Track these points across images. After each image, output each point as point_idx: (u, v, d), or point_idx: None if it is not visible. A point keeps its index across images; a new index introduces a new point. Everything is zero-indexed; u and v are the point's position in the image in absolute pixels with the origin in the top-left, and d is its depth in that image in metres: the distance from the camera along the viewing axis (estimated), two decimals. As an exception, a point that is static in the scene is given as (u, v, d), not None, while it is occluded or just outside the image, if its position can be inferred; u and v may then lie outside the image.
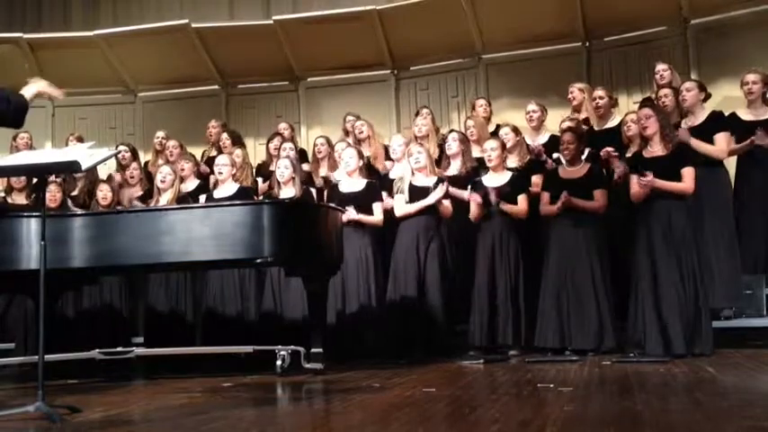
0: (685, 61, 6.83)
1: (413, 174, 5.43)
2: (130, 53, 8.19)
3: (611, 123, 5.86)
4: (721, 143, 5.22)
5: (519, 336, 5.12)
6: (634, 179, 4.83)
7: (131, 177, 6.47)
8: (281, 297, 5.55)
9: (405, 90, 8.11)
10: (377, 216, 5.43)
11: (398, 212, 5.40)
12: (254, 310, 5.64)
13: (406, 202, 5.36)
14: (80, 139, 6.86)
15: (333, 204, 5.06)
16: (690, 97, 5.34)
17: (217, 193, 5.68)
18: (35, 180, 6.13)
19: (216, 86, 8.56)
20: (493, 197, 5.20)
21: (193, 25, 8.01)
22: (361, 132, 6.39)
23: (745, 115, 5.39)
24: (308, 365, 4.47)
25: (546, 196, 5.25)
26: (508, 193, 5.26)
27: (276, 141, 6.71)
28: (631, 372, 3.98)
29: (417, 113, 6.66)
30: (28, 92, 3.29)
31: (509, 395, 3.34)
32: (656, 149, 4.83)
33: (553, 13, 7.27)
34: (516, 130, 5.85)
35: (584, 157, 5.39)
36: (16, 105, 3.20)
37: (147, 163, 7.20)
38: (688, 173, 4.73)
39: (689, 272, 4.65)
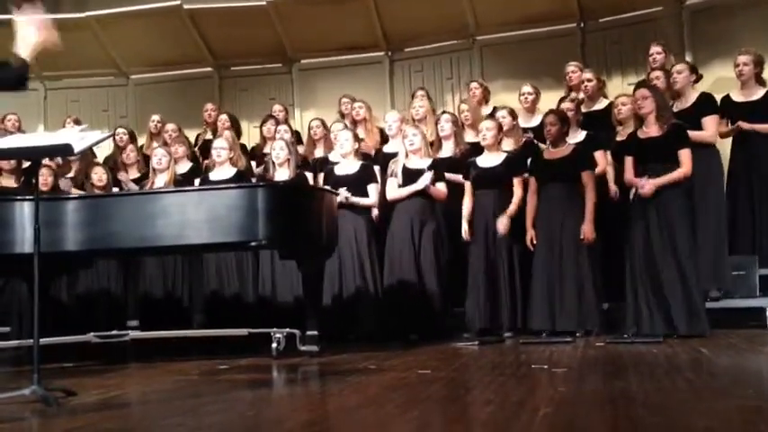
0: (680, 42, 6.81)
1: (407, 156, 5.41)
2: (122, 35, 8.13)
3: (599, 106, 5.85)
4: (710, 127, 5.22)
5: (515, 317, 5.13)
6: (628, 161, 4.83)
7: (128, 158, 6.45)
8: (277, 280, 5.55)
9: (399, 72, 8.08)
10: (372, 198, 5.42)
11: (389, 196, 5.40)
12: (250, 292, 5.65)
13: (399, 186, 5.35)
14: (77, 122, 6.83)
15: (327, 187, 5.06)
16: (681, 79, 5.33)
17: (213, 176, 5.67)
18: (26, 163, 6.10)
19: (209, 69, 8.51)
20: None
21: (185, 7, 7.95)
22: (358, 114, 6.37)
23: (738, 96, 5.39)
24: (303, 348, 4.48)
25: (533, 181, 5.23)
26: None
27: (270, 124, 6.69)
28: (625, 352, 4.01)
29: (413, 96, 6.63)
30: (25, 50, 3.11)
31: (504, 376, 3.35)
32: (652, 130, 4.82)
33: (548, -6, 7.24)
34: (513, 114, 5.84)
35: (577, 139, 5.38)
36: (18, 68, 3.08)
37: (141, 146, 7.17)
38: (685, 154, 4.71)
39: (683, 253, 4.65)
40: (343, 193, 5.23)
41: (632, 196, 4.87)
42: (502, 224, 5.14)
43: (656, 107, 4.78)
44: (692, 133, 5.12)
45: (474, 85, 6.61)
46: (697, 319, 4.58)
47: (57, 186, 6.10)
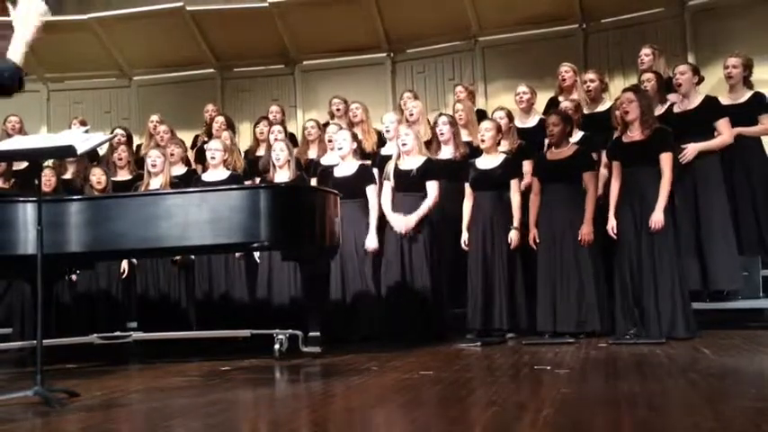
0: (682, 43, 6.82)
1: (399, 156, 5.41)
2: (125, 37, 8.15)
3: (602, 107, 5.83)
4: (725, 130, 5.17)
5: (514, 319, 5.12)
6: (615, 166, 4.84)
7: (119, 160, 6.36)
8: (275, 281, 5.54)
9: (401, 73, 8.08)
10: (371, 203, 5.40)
11: (381, 201, 5.42)
12: (247, 294, 5.64)
13: (392, 188, 5.35)
14: (83, 123, 6.83)
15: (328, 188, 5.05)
16: (684, 81, 5.31)
17: (206, 177, 5.66)
18: (18, 165, 6.11)
19: (211, 70, 8.53)
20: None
21: (188, 8, 7.96)
22: (356, 115, 6.35)
23: (725, 99, 5.38)
24: (305, 349, 4.48)
25: (536, 182, 5.22)
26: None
27: (262, 126, 6.66)
28: (627, 353, 4.00)
29: (402, 99, 6.60)
30: (16, 53, 3.04)
31: (506, 377, 3.35)
32: (635, 134, 4.81)
33: (549, -5, 7.24)
34: (510, 115, 5.83)
35: (575, 139, 5.37)
36: (7, 71, 2.99)
37: (138, 146, 7.15)
38: (666, 159, 4.70)
39: (669, 255, 4.63)
40: (369, 244, 5.25)
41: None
42: (513, 239, 5.14)
43: (641, 112, 4.77)
44: (708, 144, 5.11)
45: (459, 88, 6.59)
46: (686, 322, 4.55)
47: (59, 188, 6.09)
